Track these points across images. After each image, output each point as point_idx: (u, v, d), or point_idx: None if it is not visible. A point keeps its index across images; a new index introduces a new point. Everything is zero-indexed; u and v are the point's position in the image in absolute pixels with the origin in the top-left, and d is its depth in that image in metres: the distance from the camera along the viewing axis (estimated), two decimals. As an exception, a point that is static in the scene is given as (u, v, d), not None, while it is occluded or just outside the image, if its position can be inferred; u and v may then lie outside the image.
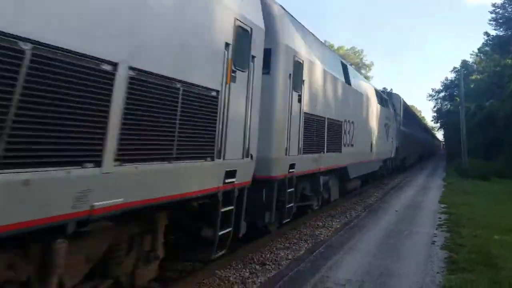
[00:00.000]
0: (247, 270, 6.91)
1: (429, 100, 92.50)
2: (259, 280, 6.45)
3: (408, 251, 8.03)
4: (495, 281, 5.97)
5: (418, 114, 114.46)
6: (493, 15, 49.38)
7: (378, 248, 8.20)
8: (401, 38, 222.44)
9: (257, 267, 7.12)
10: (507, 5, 47.91)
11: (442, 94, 73.12)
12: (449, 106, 68.60)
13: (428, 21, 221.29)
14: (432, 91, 74.54)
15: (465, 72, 61.68)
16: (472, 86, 56.11)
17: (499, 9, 48.75)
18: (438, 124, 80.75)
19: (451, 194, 17.57)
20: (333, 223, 11.28)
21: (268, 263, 7.39)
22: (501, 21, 48.76)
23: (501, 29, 49.38)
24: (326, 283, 6.12)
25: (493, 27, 50.16)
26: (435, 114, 78.18)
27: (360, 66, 68.75)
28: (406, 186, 21.31)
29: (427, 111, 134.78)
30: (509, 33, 47.79)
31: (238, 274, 6.71)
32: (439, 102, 75.32)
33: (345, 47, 70.07)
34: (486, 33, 51.32)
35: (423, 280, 6.23)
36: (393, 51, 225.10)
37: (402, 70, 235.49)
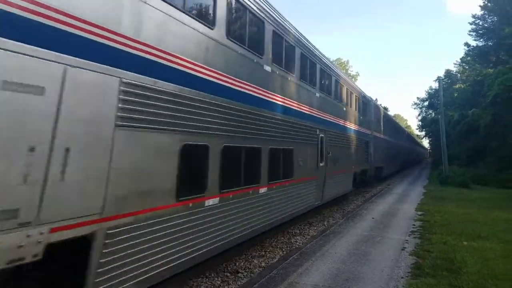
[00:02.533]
0: (219, 279, 7.09)
1: (414, 109, 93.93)
2: (229, 288, 6.63)
3: (378, 257, 8.28)
4: (455, 285, 6.23)
5: (404, 123, 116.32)
6: (473, 26, 50.52)
7: (350, 254, 8.43)
8: (386, 46, 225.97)
9: (229, 275, 7.30)
10: (486, 16, 49.13)
11: (426, 103, 74.43)
12: (433, 115, 69.75)
13: (415, 29, 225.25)
14: (417, 99, 75.86)
15: (448, 81, 63.05)
16: (455, 95, 57.25)
17: (479, 20, 49.96)
18: (423, 132, 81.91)
19: (429, 202, 17.96)
20: (310, 230, 11.52)
21: (241, 271, 7.59)
22: (481, 32, 49.93)
23: (481, 40, 50.56)
24: (295, 289, 6.33)
25: (473, 38, 51.33)
26: (420, 122, 79.42)
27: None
28: (387, 194, 21.66)
29: (413, 120, 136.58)
30: (489, 43, 48.97)
31: (210, 283, 6.89)
32: (423, 110, 76.61)
33: (331, 59, 70.84)
34: (467, 44, 52.50)
35: (387, 285, 6.48)
36: (379, 60, 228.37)
37: (388, 80, 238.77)
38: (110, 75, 4.47)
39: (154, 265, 5.20)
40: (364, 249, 8.91)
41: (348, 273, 7.10)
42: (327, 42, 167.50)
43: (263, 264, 8.07)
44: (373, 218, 13.16)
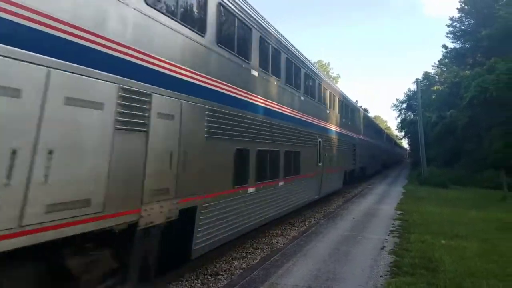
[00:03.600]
0: (199, 281, 7.02)
1: (394, 110, 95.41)
2: (209, 290, 6.57)
3: (358, 256, 8.34)
4: (432, 284, 6.32)
5: (384, 124, 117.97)
6: (451, 28, 51.63)
7: (330, 254, 8.47)
8: (366, 48, 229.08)
9: (210, 277, 7.24)
10: (464, 19, 50.28)
11: (405, 105, 75.64)
12: (412, 116, 70.91)
13: (395, 32, 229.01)
14: (397, 101, 77.04)
15: (427, 83, 64.16)
16: (433, 97, 58.33)
17: (456, 23, 51.08)
18: (403, 133, 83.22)
19: (408, 202, 18.24)
20: (292, 231, 11.55)
21: (221, 273, 7.53)
22: (458, 34, 51.07)
23: (459, 42, 51.71)
24: (275, 290, 6.31)
25: (451, 40, 52.45)
26: (399, 124, 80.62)
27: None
28: (367, 194, 21.92)
29: (393, 121, 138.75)
30: (466, 46, 50.12)
31: (189, 286, 6.81)
32: (402, 112, 77.82)
33: (312, 61, 71.39)
34: (444, 46, 53.58)
35: (366, 284, 6.53)
36: (359, 61, 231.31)
37: (369, 81, 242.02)
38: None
39: (223, 229, 7.60)
40: (345, 249, 8.97)
41: (329, 273, 7.12)
42: (313, 37, 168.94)
43: (243, 266, 8.03)
44: (353, 218, 13.28)
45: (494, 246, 9.59)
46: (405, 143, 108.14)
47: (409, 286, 6.16)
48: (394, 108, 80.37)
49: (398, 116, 79.64)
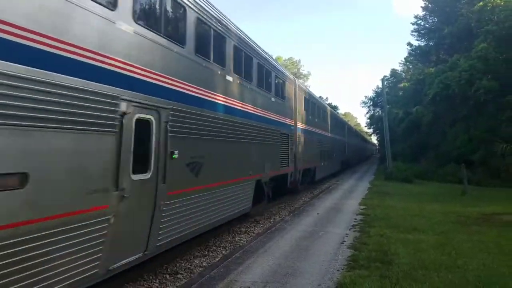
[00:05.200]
0: (157, 281, 6.95)
1: (362, 107, 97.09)
2: (166, 290, 6.53)
3: (318, 251, 8.48)
4: (385, 276, 6.49)
5: (354, 121, 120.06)
6: (415, 26, 52.98)
7: (292, 250, 8.57)
8: (337, 45, 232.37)
9: (168, 276, 7.19)
10: (428, 17, 51.72)
11: (373, 101, 77.11)
12: (380, 113, 72.44)
13: (366, 30, 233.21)
14: (365, 98, 78.48)
15: (394, 80, 65.72)
16: (400, 93, 59.83)
17: (421, 21, 52.48)
18: (371, 130, 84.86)
19: (373, 197, 18.67)
20: (256, 228, 11.61)
21: (181, 272, 7.48)
22: (422, 32, 52.51)
23: (423, 40, 53.19)
24: (233, 286, 6.33)
25: (416, 38, 53.86)
26: (368, 120, 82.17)
27: (298, 76, 70.67)
28: (334, 190, 22.29)
29: (363, 118, 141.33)
30: (430, 43, 51.62)
31: (147, 286, 6.74)
32: (371, 109, 79.38)
33: (283, 58, 71.80)
34: (409, 44, 54.96)
35: (323, 278, 6.65)
36: (330, 58, 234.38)
37: (339, 78, 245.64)
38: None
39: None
40: (306, 244, 9.10)
41: (288, 268, 7.21)
42: (284, 32, 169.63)
43: (204, 264, 8.01)
44: (318, 214, 13.48)
45: (449, 239, 9.94)
46: (374, 139, 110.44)
47: (363, 279, 6.31)
48: (363, 105, 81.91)
49: (367, 113, 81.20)
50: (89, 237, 4.95)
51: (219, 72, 9.27)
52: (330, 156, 28.64)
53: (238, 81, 10.49)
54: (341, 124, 39.60)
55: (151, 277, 7.08)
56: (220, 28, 9.32)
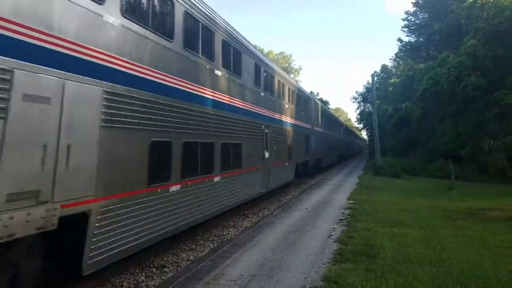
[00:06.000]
0: (144, 274, 6.94)
1: (353, 103, 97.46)
2: (152, 283, 6.52)
3: (305, 245, 8.53)
4: (370, 269, 6.56)
5: (345, 116, 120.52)
6: (406, 22, 53.19)
7: (279, 244, 8.61)
8: (330, 41, 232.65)
9: (155, 270, 7.18)
10: (418, 13, 51.95)
11: (363, 97, 77.39)
12: (370, 108, 72.77)
13: (358, 27, 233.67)
14: (356, 93, 78.68)
15: (385, 76, 65.97)
16: (390, 89, 60.13)
17: (411, 17, 52.70)
18: (362, 125, 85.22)
19: (361, 191, 18.81)
20: (244, 222, 11.64)
21: (168, 265, 7.49)
22: (413, 28, 52.76)
23: (413, 36, 53.44)
24: (220, 280, 6.34)
25: (406, 34, 54.08)
26: (358, 115, 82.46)
27: (289, 71, 70.71)
28: (324, 184, 22.41)
29: (354, 113, 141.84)
30: (420, 39, 51.92)
31: (133, 279, 6.72)
32: (361, 104, 79.67)
33: (274, 52, 71.69)
34: (400, 40, 55.16)
35: (309, 271, 6.69)
36: (321, 54, 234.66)
37: (333, 74, 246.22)
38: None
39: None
40: (294, 238, 9.14)
41: (274, 262, 7.24)
42: (278, 27, 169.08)
43: (191, 258, 8.02)
44: (306, 208, 13.55)
45: (435, 233, 10.08)
46: (364, 135, 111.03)
47: (349, 272, 6.36)
48: (353, 100, 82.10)
49: (358, 108, 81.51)
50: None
51: (264, 94, 14.74)
52: (333, 150, 38.36)
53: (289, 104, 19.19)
54: (340, 125, 51.30)
55: (137, 271, 7.07)
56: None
